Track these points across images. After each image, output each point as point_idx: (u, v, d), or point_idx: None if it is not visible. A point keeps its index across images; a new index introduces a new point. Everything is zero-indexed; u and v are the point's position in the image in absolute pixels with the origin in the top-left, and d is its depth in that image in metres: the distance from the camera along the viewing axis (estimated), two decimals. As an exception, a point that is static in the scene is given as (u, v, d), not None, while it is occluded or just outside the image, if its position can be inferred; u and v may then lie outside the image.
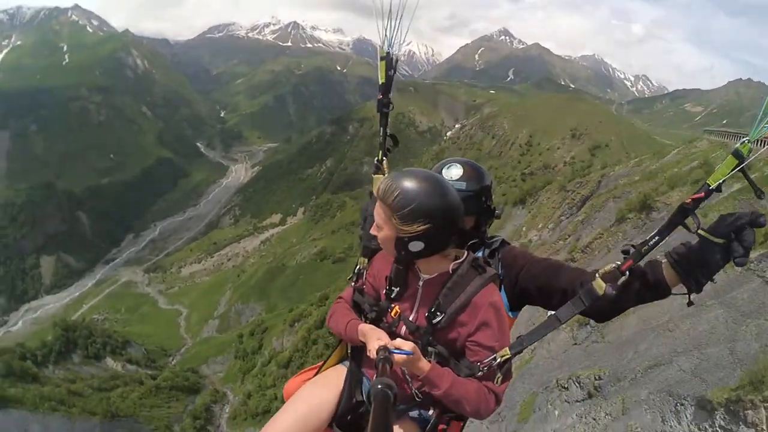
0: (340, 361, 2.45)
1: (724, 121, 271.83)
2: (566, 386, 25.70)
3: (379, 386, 1.31)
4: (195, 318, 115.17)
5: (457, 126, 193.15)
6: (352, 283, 2.42)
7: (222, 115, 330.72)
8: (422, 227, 1.81)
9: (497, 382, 1.92)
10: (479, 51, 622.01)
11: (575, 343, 34.90)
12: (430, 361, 1.89)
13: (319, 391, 2.19)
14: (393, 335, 1.96)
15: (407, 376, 1.98)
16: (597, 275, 1.92)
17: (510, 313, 2.29)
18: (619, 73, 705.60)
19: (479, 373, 1.91)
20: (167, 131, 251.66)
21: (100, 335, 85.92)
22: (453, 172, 2.34)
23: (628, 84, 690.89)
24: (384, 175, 2.52)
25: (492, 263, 2.14)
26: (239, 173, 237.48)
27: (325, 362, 2.45)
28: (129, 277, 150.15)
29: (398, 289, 2.09)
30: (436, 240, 1.87)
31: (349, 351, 2.37)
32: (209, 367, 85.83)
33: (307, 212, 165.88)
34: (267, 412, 59.47)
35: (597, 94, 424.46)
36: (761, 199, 1.25)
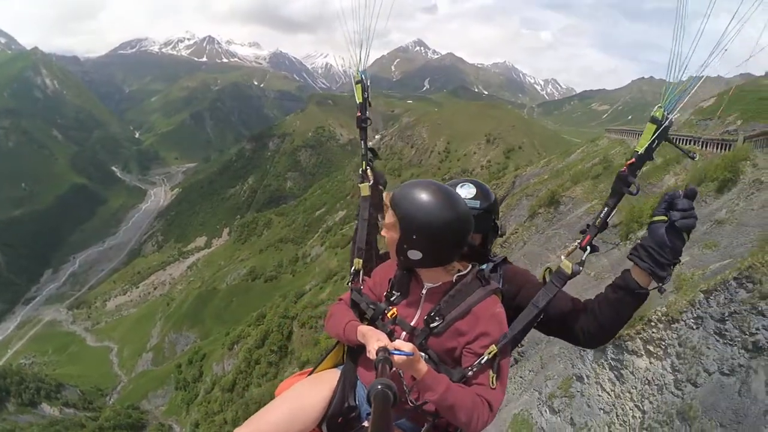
0: (335, 365, 2.48)
1: (629, 117, 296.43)
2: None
3: (380, 386, 1.31)
4: (127, 353, 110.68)
5: (377, 137, 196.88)
6: (349, 284, 2.49)
7: (137, 135, 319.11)
8: (423, 238, 1.89)
9: (492, 382, 1.92)
10: (395, 62, 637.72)
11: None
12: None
13: (311, 389, 2.22)
14: (391, 338, 1.99)
15: (404, 384, 2.00)
16: (562, 257, 2.04)
17: None
18: (529, 78, 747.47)
19: (469, 374, 1.93)
20: (81, 156, 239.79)
21: (32, 380, 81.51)
22: (467, 191, 2.43)
23: (539, 88, 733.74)
24: (369, 182, 2.71)
25: (493, 278, 2.26)
26: (159, 196, 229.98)
27: (319, 364, 2.48)
28: (52, 316, 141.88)
29: (399, 293, 2.16)
30: (436, 253, 1.95)
31: (344, 355, 2.44)
32: (150, 401, 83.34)
33: (232, 232, 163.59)
34: None
35: (510, 99, 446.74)
36: (694, 159, 2.08)
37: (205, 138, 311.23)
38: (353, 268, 2.51)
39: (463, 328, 1.96)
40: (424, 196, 1.89)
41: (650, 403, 9.08)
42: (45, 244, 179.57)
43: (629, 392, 9.96)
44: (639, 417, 9.11)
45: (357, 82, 2.68)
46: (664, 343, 9.06)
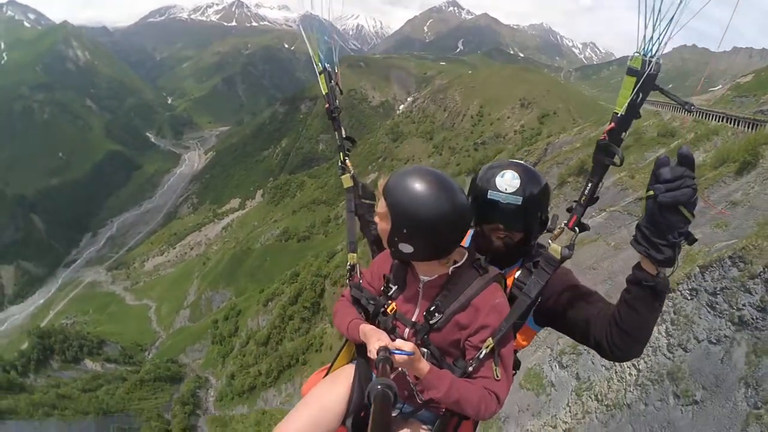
0: (350, 358, 2.45)
1: (670, 85, 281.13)
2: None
3: (379, 386, 1.28)
4: (165, 310, 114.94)
5: (409, 99, 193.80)
6: (347, 280, 2.47)
7: (170, 101, 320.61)
8: (413, 232, 1.81)
9: (496, 375, 1.88)
10: (428, 22, 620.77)
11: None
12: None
13: (330, 390, 2.21)
14: (393, 334, 2.00)
15: (410, 383, 1.99)
16: (549, 241, 1.95)
17: (532, 326, 2.31)
18: (567, 41, 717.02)
19: (470, 368, 1.91)
20: (115, 123, 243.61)
21: (74, 338, 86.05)
22: (508, 184, 2.12)
23: (577, 51, 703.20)
24: (349, 173, 2.64)
25: (539, 263, 2.02)
26: (193, 160, 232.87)
27: (334, 361, 2.47)
28: (92, 277, 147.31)
29: (396, 287, 2.12)
30: (428, 247, 1.87)
31: (356, 348, 2.41)
32: (188, 355, 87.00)
33: (266, 194, 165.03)
34: (253, 389, 62.67)
35: (546, 63, 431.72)
36: (691, 112, 1.93)
37: (237, 102, 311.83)
38: (348, 263, 2.48)
39: (463, 321, 1.92)
40: (417, 187, 1.78)
41: (645, 363, 10.27)
42: (83, 211, 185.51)
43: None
44: (634, 374, 10.25)
45: (320, 73, 2.62)
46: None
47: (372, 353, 1.70)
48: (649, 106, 69.24)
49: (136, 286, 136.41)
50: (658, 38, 1.48)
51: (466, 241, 2.28)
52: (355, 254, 2.49)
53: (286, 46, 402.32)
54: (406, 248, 1.86)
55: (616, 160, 1.68)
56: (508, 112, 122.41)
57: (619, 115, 1.63)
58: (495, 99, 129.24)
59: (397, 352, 1.68)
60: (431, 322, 1.95)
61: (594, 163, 1.75)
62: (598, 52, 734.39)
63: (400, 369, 1.86)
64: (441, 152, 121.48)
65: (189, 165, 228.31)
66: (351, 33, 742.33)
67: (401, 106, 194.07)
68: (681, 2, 1.38)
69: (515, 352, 2.23)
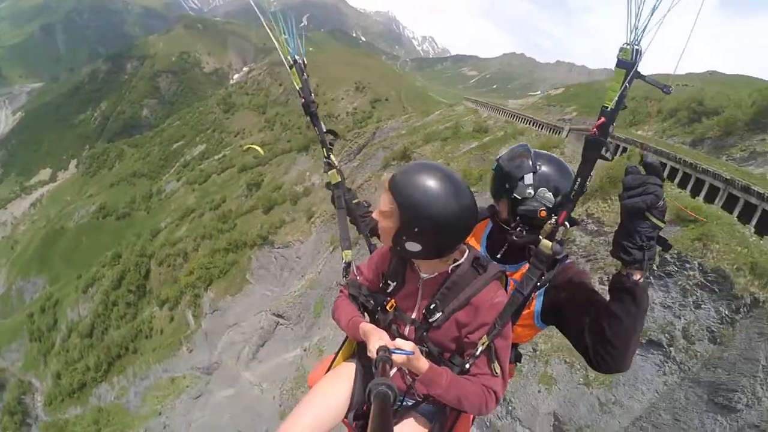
0: (352, 353, 2.42)
1: (494, 86, 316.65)
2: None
3: (379, 386, 1.27)
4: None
5: (245, 69, 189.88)
6: (344, 277, 2.43)
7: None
8: (426, 231, 1.77)
9: (494, 371, 1.87)
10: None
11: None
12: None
13: (332, 386, 2.19)
14: (394, 332, 2.02)
15: (409, 377, 1.98)
16: (540, 237, 1.87)
17: (537, 324, 2.27)
18: (408, 32, 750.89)
19: (467, 366, 1.90)
20: None
21: None
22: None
23: (416, 43, 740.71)
24: (336, 169, 2.61)
25: (531, 260, 1.92)
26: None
27: (336, 355, 2.42)
28: None
29: (395, 284, 2.10)
30: (437, 246, 1.84)
31: (356, 346, 2.38)
32: (4, 357, 77.82)
33: (80, 165, 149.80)
34: (83, 386, 59.39)
35: (386, 50, 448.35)
36: (668, 93, 1.57)
37: (55, 55, 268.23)
38: (344, 261, 2.48)
39: (463, 319, 1.92)
40: (431, 185, 1.76)
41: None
42: None
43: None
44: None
45: (291, 66, 2.54)
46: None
47: (372, 353, 1.67)
48: (471, 104, 78.30)
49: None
50: (643, 27, 1.44)
51: (482, 236, 2.46)
52: (350, 251, 2.50)
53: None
54: (414, 246, 1.83)
55: (607, 154, 1.66)
56: (342, 93, 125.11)
57: (609, 109, 1.59)
58: (332, 79, 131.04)
59: (397, 351, 1.67)
60: (431, 320, 1.95)
61: (584, 158, 1.70)
62: (435, 47, 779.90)
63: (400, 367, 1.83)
64: (273, 127, 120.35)
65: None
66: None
67: (236, 76, 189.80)
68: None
69: (516, 346, 2.36)
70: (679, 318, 19.34)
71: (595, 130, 1.65)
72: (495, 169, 2.32)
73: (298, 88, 2.53)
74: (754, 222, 22.73)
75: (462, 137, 57.24)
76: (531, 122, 55.91)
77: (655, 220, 1.58)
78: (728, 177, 25.03)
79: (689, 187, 29.29)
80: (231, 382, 43.35)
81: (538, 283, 1.95)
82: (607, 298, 1.83)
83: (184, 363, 51.45)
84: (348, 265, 2.43)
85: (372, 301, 2.16)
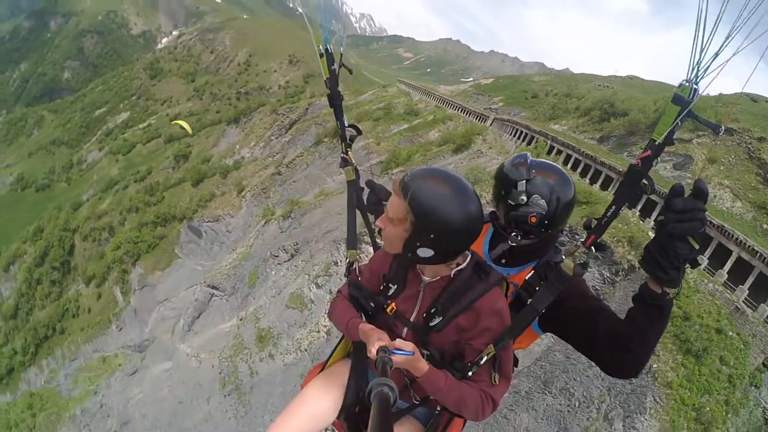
0: (346, 354, 2.43)
1: (428, 70, 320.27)
2: (276, 254, 38.42)
3: (379, 387, 1.25)
4: None
5: (174, 33, 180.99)
6: (345, 277, 2.40)
7: None
8: (440, 237, 1.74)
9: (494, 380, 1.88)
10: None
11: (282, 231, 46.90)
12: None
13: (324, 388, 2.21)
14: (393, 335, 1.96)
15: (406, 379, 2.01)
16: (563, 257, 1.87)
17: (535, 330, 2.30)
18: (347, 8, 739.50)
19: (470, 373, 1.89)
20: None
21: None
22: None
23: (353, 19, 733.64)
24: (352, 166, 2.53)
25: (550, 277, 1.95)
26: None
27: (330, 356, 2.41)
28: None
29: (396, 287, 2.08)
30: (448, 251, 1.83)
31: (351, 345, 2.38)
32: None
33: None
34: (11, 371, 57.26)
35: (321, 23, 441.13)
36: (719, 134, 1.50)
37: None
38: (347, 260, 2.46)
39: (464, 324, 1.91)
40: (446, 191, 1.72)
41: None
42: None
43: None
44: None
45: (321, 55, 2.41)
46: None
47: (372, 354, 1.64)
48: (404, 87, 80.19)
49: None
50: (705, 68, 1.40)
51: (484, 240, 2.47)
52: (354, 251, 2.46)
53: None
54: (426, 252, 1.80)
55: (647, 188, 1.63)
56: (275, 66, 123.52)
57: (657, 143, 1.57)
58: (265, 50, 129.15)
59: (397, 352, 1.65)
60: (431, 323, 1.94)
61: (624, 189, 1.67)
62: (372, 25, 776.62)
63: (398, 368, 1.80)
64: (201, 97, 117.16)
65: None
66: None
67: (164, 40, 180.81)
68: (730, 37, 1.33)
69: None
70: (570, 278, 24.18)
71: (638, 161, 1.62)
72: (495, 176, 2.35)
73: (324, 78, 2.45)
74: (639, 207, 27.88)
75: (393, 119, 59.34)
76: (460, 108, 59.11)
77: (694, 243, 1.56)
78: (622, 170, 29.70)
79: (589, 175, 34.33)
80: (167, 356, 43.27)
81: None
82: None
83: (114, 341, 50.62)
84: (351, 264, 2.41)
85: (372, 303, 2.15)
